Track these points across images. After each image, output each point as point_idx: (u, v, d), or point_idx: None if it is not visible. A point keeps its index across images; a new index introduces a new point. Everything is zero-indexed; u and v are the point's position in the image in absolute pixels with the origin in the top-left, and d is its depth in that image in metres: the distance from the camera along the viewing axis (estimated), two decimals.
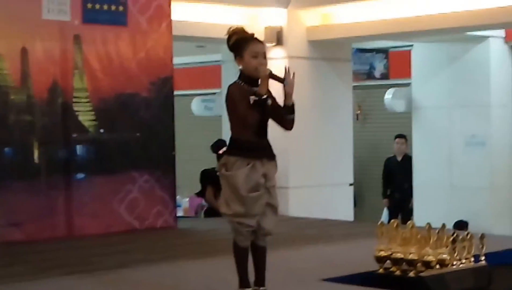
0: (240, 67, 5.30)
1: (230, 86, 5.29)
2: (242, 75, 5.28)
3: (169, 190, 9.68)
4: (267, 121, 5.27)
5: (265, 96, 5.15)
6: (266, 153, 5.31)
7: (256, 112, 5.16)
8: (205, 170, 11.05)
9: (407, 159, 12.97)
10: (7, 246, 8.13)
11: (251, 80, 5.24)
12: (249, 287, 5.33)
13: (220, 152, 10.31)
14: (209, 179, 10.67)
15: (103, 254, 7.72)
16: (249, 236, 5.28)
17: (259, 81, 5.22)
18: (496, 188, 12.21)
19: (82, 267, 6.94)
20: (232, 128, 5.31)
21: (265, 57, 5.28)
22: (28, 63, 8.65)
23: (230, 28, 5.38)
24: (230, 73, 9.69)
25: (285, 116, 5.28)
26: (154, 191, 9.51)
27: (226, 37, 5.36)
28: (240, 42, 5.29)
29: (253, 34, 5.38)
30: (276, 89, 5.33)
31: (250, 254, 5.39)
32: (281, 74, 5.23)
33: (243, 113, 5.15)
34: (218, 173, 5.40)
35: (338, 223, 10.31)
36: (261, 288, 5.38)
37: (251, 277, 5.40)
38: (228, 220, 5.32)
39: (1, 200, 8.40)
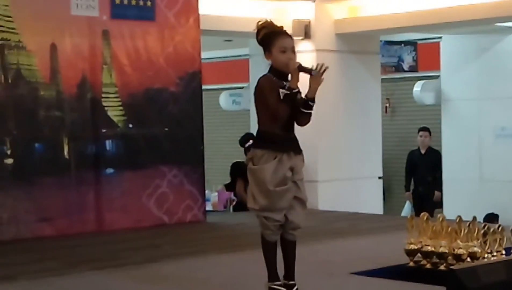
0: (269, 61, 5.27)
1: (260, 78, 5.27)
2: (272, 69, 5.27)
3: (198, 185, 9.70)
4: (296, 115, 5.25)
5: (296, 90, 5.14)
6: (293, 146, 5.29)
7: (286, 105, 5.14)
8: (236, 162, 11.05)
9: (431, 152, 12.88)
10: (38, 241, 8.20)
11: (281, 74, 5.23)
12: (278, 280, 5.31)
13: (246, 145, 10.33)
14: (239, 172, 10.67)
15: (133, 248, 7.75)
16: (277, 231, 5.26)
17: (289, 75, 5.20)
18: None
19: (112, 262, 6.97)
20: (259, 121, 5.30)
21: (293, 51, 5.26)
22: (57, 59, 8.70)
23: (259, 22, 5.35)
24: (258, 67, 9.68)
25: (301, 107, 5.22)
26: (183, 185, 9.54)
27: (255, 31, 5.33)
28: (268, 36, 5.27)
29: (282, 28, 5.36)
30: (303, 83, 5.32)
31: (279, 248, 5.38)
32: (310, 66, 5.22)
33: (274, 105, 5.13)
34: (248, 167, 5.39)
35: (367, 216, 10.28)
36: (291, 282, 5.35)
37: (281, 271, 5.39)
38: (255, 215, 5.32)
39: (31, 196, 8.46)
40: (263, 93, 5.18)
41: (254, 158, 5.22)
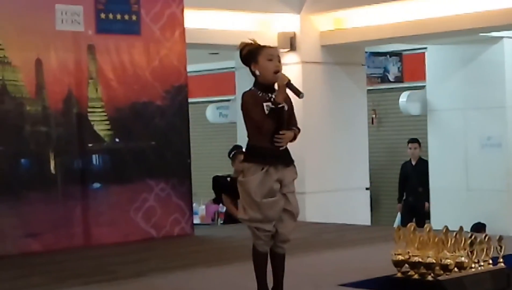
0: (257, 72, 5.29)
1: (244, 93, 5.31)
2: (257, 83, 5.30)
3: (185, 198, 9.68)
4: (283, 128, 5.26)
5: (282, 104, 5.16)
6: (281, 159, 5.31)
7: (272, 119, 5.17)
8: (216, 176, 11.07)
9: (422, 163, 12.93)
10: (24, 257, 8.16)
11: (266, 87, 5.26)
12: None
13: (232, 154, 10.34)
14: (221, 186, 10.69)
15: (121, 263, 7.73)
16: (268, 241, 5.30)
17: (276, 87, 5.23)
18: None
19: (100, 277, 6.94)
20: (248, 135, 5.35)
21: (279, 61, 5.30)
22: (43, 74, 8.69)
23: (241, 43, 5.39)
24: (244, 79, 9.68)
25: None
26: (170, 199, 9.52)
27: (238, 50, 5.37)
28: (254, 49, 5.32)
29: (264, 45, 5.41)
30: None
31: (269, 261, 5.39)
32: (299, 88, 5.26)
33: (258, 119, 5.18)
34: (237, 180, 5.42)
35: (355, 227, 10.29)
36: None
37: (270, 283, 5.39)
38: (247, 226, 5.35)
39: (18, 211, 8.42)
40: (247, 108, 5.22)
41: (244, 171, 5.27)
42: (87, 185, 8.98)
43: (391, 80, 14.42)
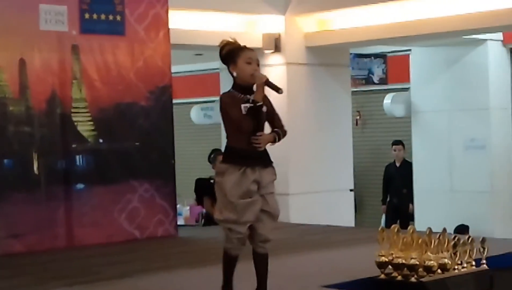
0: (235, 74, 5.33)
1: (222, 95, 5.38)
2: (235, 84, 5.35)
3: (169, 199, 9.67)
4: (262, 128, 5.29)
5: (260, 103, 5.17)
6: (259, 160, 5.34)
7: (250, 118, 5.20)
8: (199, 179, 11.06)
9: (406, 165, 12.97)
10: (7, 258, 8.13)
11: (244, 88, 5.31)
12: None
13: (211, 157, 10.33)
14: (203, 188, 10.68)
15: (104, 264, 7.71)
16: (239, 245, 5.33)
17: (255, 87, 5.27)
18: (497, 191, 12.19)
19: (83, 278, 6.92)
20: (227, 137, 5.39)
21: (258, 64, 5.36)
22: (26, 74, 8.66)
23: (222, 41, 5.45)
24: (229, 80, 9.65)
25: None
26: (154, 200, 9.51)
27: (219, 48, 5.42)
28: (233, 50, 5.37)
29: (244, 45, 5.45)
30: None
31: (252, 263, 5.42)
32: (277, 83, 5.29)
33: (236, 119, 5.22)
34: (215, 181, 5.43)
35: (339, 229, 10.30)
36: None
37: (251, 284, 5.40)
38: (221, 227, 5.39)
39: (1, 212, 8.39)
40: (226, 109, 5.28)
41: (222, 172, 5.30)
42: (71, 186, 8.95)
43: (376, 81, 14.44)
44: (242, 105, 5.20)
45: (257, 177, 5.27)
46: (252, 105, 5.19)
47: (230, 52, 5.36)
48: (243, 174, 5.22)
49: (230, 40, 5.42)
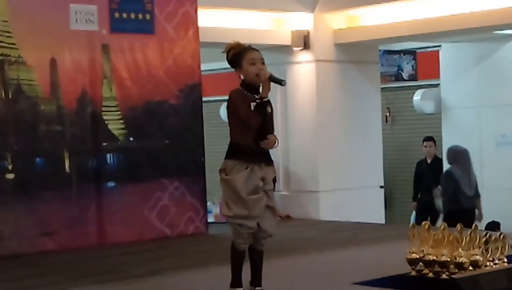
0: (241, 76, 5.48)
1: (232, 91, 5.48)
2: (243, 83, 5.46)
3: (199, 197, 9.70)
4: (266, 126, 5.40)
5: (266, 99, 5.33)
6: (264, 158, 5.46)
7: (258, 115, 5.31)
8: None
9: (437, 161, 12.87)
10: (39, 256, 8.20)
11: (252, 87, 5.41)
12: (241, 286, 5.50)
13: None
14: None
15: (134, 262, 7.75)
16: (248, 239, 5.43)
17: (261, 85, 5.39)
18: None
19: (114, 275, 6.97)
20: (231, 133, 5.49)
21: (263, 63, 5.46)
22: (57, 74, 8.72)
23: (227, 46, 5.58)
24: None
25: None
26: (185, 198, 9.54)
27: (224, 53, 5.56)
28: (238, 53, 5.50)
29: (249, 46, 5.57)
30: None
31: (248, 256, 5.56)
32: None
33: (245, 115, 5.32)
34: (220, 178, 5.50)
35: (369, 226, 10.28)
36: (257, 288, 5.54)
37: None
38: (229, 222, 5.46)
39: (33, 210, 8.46)
40: (235, 105, 5.38)
41: (226, 169, 5.41)
42: (102, 184, 9.01)
43: (405, 78, 14.38)
44: (252, 103, 5.33)
45: (263, 173, 5.40)
46: (259, 101, 5.28)
47: (235, 56, 5.49)
48: (251, 171, 5.34)
49: (235, 43, 5.54)
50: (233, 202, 5.34)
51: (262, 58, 5.47)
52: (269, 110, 5.40)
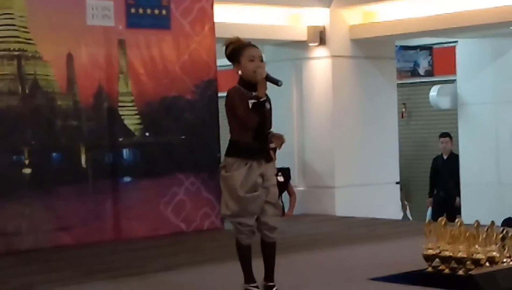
0: (239, 72, 5.43)
1: (229, 90, 5.47)
2: (241, 81, 5.44)
3: (215, 192, 9.68)
4: (267, 124, 5.39)
5: (263, 98, 5.31)
6: (263, 155, 5.44)
7: (255, 114, 5.30)
8: None
9: (453, 157, 12.85)
10: (56, 251, 8.23)
11: (249, 85, 5.39)
12: (254, 282, 5.46)
13: None
14: None
15: (150, 257, 7.77)
16: (250, 235, 5.44)
17: (258, 85, 5.35)
18: None
19: (130, 270, 6.98)
20: (231, 131, 5.48)
21: (261, 60, 5.44)
22: (74, 69, 8.75)
23: (226, 40, 5.54)
24: (273, 73, 9.66)
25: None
26: (200, 193, 9.56)
27: (223, 47, 5.53)
28: (237, 49, 5.46)
29: (249, 42, 5.53)
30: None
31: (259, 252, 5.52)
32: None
33: (242, 115, 5.32)
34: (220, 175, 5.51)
35: (385, 222, 10.26)
36: (270, 284, 5.49)
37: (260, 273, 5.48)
38: (229, 221, 5.49)
39: (49, 205, 8.50)
40: (233, 103, 5.37)
41: (226, 166, 5.41)
42: (118, 179, 9.03)
43: (421, 74, 14.34)
44: (250, 101, 5.31)
45: (263, 170, 5.39)
46: (255, 101, 5.26)
47: (234, 52, 5.46)
48: (250, 168, 5.33)
49: (234, 38, 5.51)
50: (230, 200, 5.36)
51: (261, 56, 5.46)
52: (268, 107, 5.39)
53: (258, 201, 5.35)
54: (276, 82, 5.37)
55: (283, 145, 5.42)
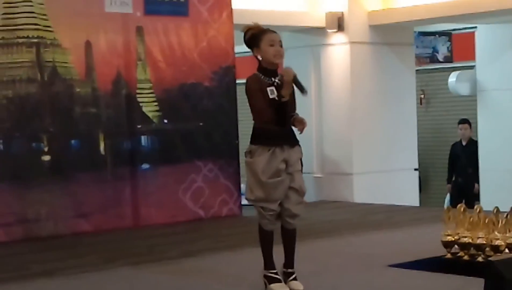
0: (259, 57, 5.39)
1: (248, 78, 5.44)
2: (260, 67, 5.41)
3: (233, 179, 9.72)
4: (286, 120, 5.35)
5: (286, 99, 5.27)
6: (286, 140, 5.41)
7: (273, 110, 5.29)
8: None
9: (472, 144, 12.80)
10: (75, 237, 8.28)
11: (269, 71, 5.37)
12: (273, 269, 5.45)
13: None
14: None
15: (169, 243, 7.79)
16: (273, 220, 5.43)
17: (277, 79, 5.30)
18: None
19: (148, 257, 7.01)
20: (254, 118, 5.46)
21: (281, 46, 5.41)
22: (92, 56, 8.77)
23: (245, 26, 5.51)
24: (291, 59, 9.67)
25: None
26: (218, 180, 9.57)
27: (243, 33, 5.49)
28: (256, 34, 5.43)
29: (267, 28, 5.50)
30: None
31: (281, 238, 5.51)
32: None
33: (259, 107, 5.32)
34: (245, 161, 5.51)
35: (404, 208, 10.25)
36: (289, 270, 5.48)
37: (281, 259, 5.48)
38: (253, 205, 5.47)
39: (68, 192, 8.54)
40: (251, 94, 5.36)
41: (252, 152, 5.40)
42: (136, 166, 9.06)
43: (440, 60, 14.27)
44: (268, 89, 5.27)
45: (286, 156, 5.36)
46: (277, 99, 5.24)
47: (253, 37, 5.43)
48: (273, 154, 5.32)
49: (253, 25, 5.48)
50: (254, 185, 5.36)
51: (281, 41, 5.43)
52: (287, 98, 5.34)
53: (281, 187, 5.34)
54: (301, 89, 5.34)
55: (305, 130, 5.40)
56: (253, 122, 5.46)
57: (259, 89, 5.30)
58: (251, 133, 5.48)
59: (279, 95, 5.26)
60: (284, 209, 5.41)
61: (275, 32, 5.46)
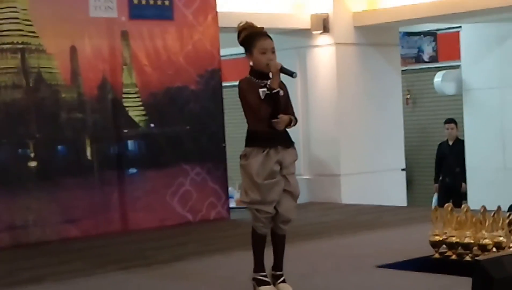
0: (251, 63, 5.40)
1: (240, 81, 5.43)
2: (252, 70, 5.40)
3: (221, 182, 9.72)
4: (280, 112, 5.31)
5: (277, 90, 5.25)
6: (281, 141, 5.39)
7: (267, 104, 5.27)
8: None
9: (459, 143, 12.84)
10: (63, 243, 8.25)
11: (261, 74, 5.36)
12: (263, 271, 5.43)
13: None
14: None
15: (158, 247, 7.78)
16: (267, 223, 5.40)
17: (270, 75, 5.32)
18: None
19: (138, 261, 7.00)
20: (247, 122, 5.46)
21: (273, 52, 5.39)
22: (78, 61, 8.75)
23: (240, 23, 5.49)
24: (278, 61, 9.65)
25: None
26: (206, 183, 9.57)
27: (236, 33, 5.47)
28: (249, 38, 5.40)
29: (262, 29, 5.48)
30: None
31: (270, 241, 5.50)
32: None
33: (254, 105, 5.29)
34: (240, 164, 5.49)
35: (392, 208, 10.27)
36: (278, 273, 5.47)
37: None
38: (248, 208, 5.44)
39: (56, 198, 8.51)
40: (244, 95, 5.34)
41: (247, 155, 5.38)
42: (124, 171, 9.04)
43: (426, 60, 14.32)
44: (260, 90, 5.26)
45: (280, 157, 5.34)
46: (268, 92, 5.24)
47: (246, 40, 5.40)
48: (267, 155, 5.31)
49: (248, 23, 5.46)
50: (249, 187, 5.34)
51: (273, 47, 5.41)
52: (281, 94, 5.35)
53: (277, 188, 5.32)
54: (290, 74, 5.34)
55: (283, 125, 5.36)
56: (245, 125, 5.46)
57: (251, 89, 5.29)
58: (246, 136, 5.48)
59: (270, 87, 5.24)
60: (278, 214, 5.36)
61: (268, 37, 5.42)
